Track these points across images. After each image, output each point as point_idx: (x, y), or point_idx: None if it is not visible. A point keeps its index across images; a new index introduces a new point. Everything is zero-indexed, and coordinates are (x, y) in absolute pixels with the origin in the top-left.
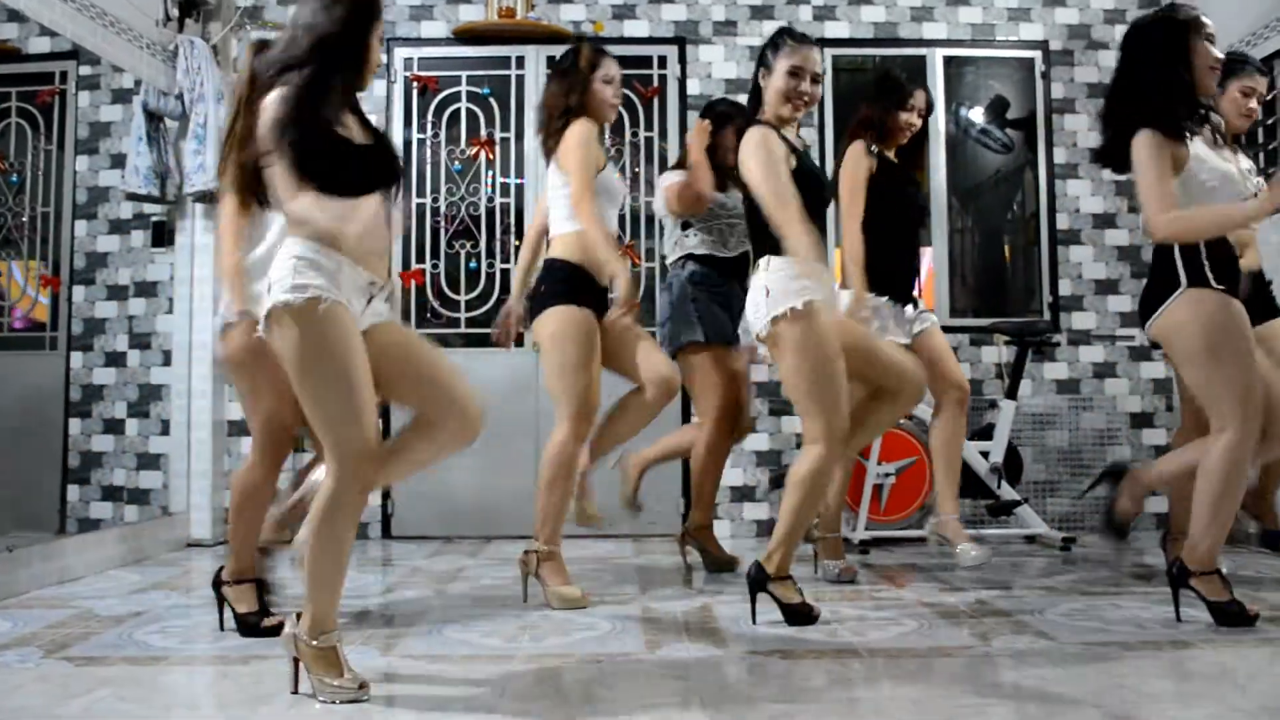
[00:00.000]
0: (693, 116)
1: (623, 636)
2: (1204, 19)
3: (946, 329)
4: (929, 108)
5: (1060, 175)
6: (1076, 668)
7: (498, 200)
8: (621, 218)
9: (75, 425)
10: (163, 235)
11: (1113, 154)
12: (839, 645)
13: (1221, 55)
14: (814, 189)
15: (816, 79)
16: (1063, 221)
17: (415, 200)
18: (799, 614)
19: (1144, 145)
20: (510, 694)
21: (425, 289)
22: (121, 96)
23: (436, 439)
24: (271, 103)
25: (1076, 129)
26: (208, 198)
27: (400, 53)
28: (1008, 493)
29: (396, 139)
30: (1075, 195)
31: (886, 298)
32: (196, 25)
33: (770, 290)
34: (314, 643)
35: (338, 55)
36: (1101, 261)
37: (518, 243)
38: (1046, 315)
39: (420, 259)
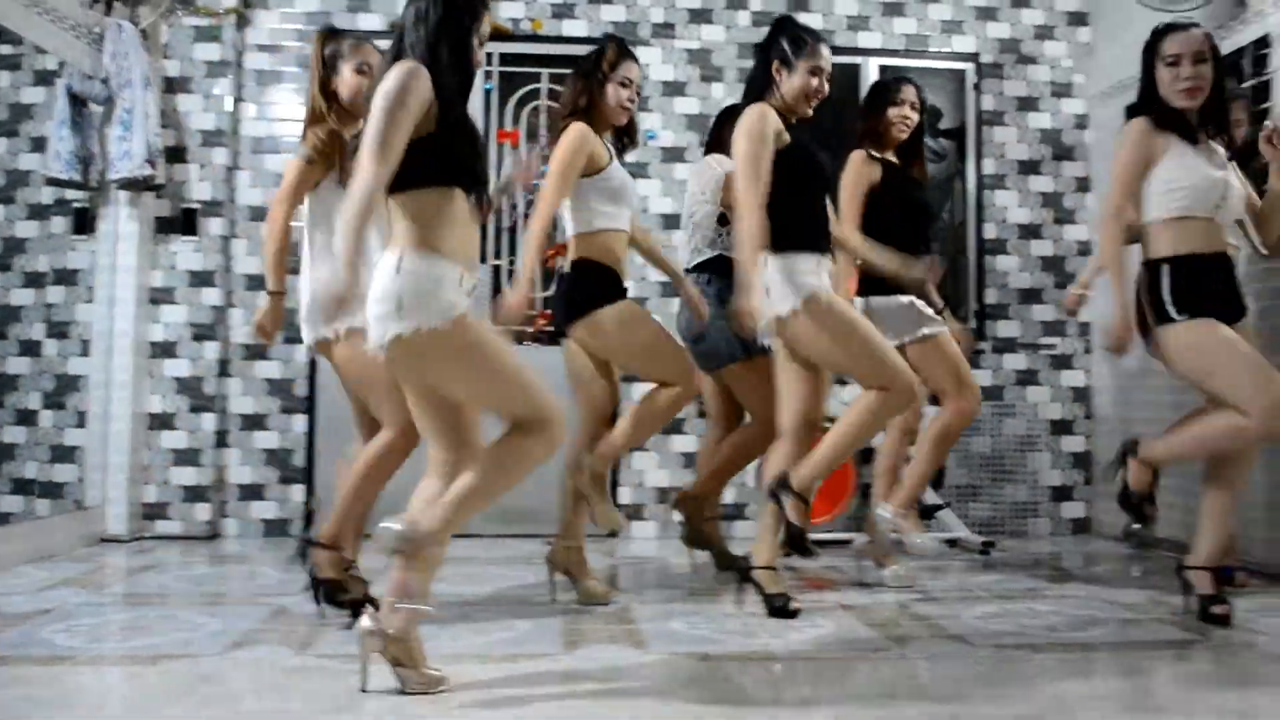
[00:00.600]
0: None
1: (541, 637)
2: (1165, 44)
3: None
4: (922, 102)
5: (989, 186)
6: (988, 670)
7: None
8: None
9: None
10: (84, 222)
11: None
12: (757, 648)
13: (1188, 78)
14: (809, 169)
15: (830, 76)
16: (990, 231)
17: None
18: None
19: (1127, 131)
20: (423, 696)
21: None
22: (44, 78)
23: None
24: (400, 75)
25: (1005, 140)
26: (132, 185)
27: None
28: (930, 497)
29: None
30: (1003, 206)
31: (909, 298)
32: (125, 9)
33: (770, 290)
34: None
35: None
36: (1026, 271)
37: None
38: (973, 323)
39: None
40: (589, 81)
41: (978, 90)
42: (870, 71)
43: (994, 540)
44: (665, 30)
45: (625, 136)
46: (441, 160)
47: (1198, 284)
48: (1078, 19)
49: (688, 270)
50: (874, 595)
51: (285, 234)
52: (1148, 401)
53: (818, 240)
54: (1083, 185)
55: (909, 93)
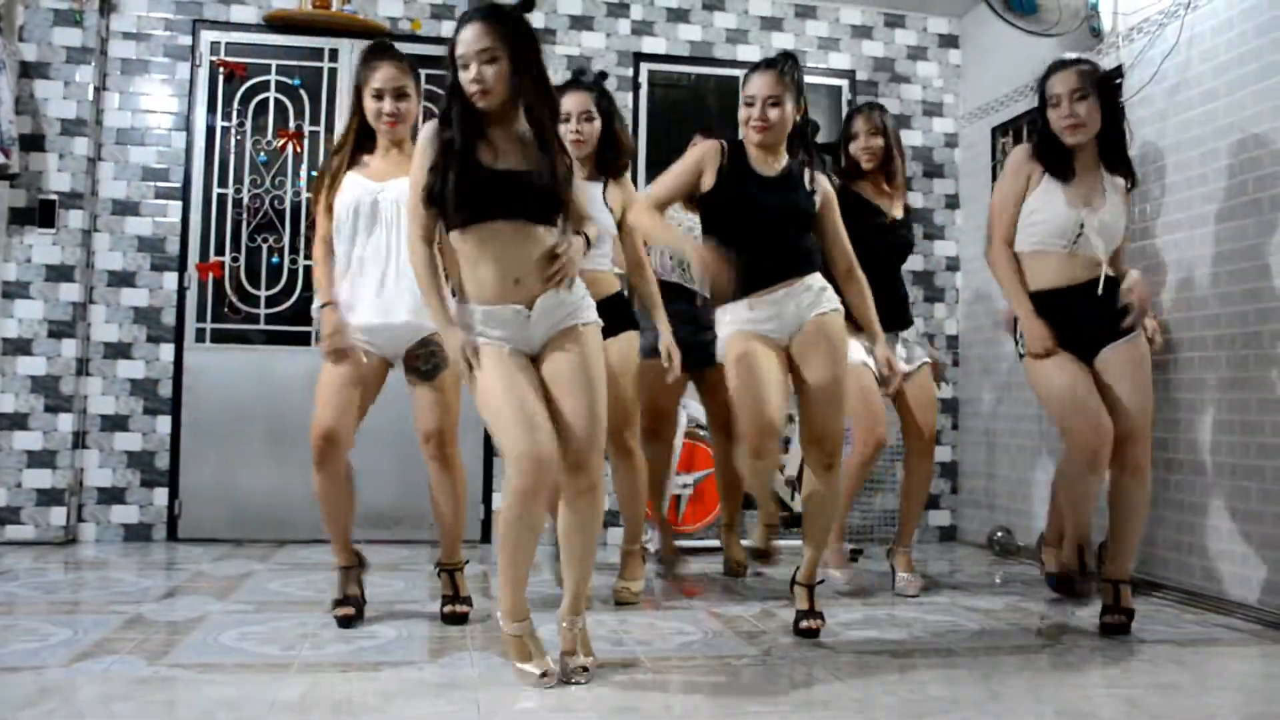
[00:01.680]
0: None
1: (407, 645)
2: (1049, 83)
3: None
4: (881, 127)
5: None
6: (850, 675)
7: (304, 195)
8: None
9: None
10: None
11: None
12: (623, 655)
13: (1067, 115)
14: (739, 209)
15: (775, 102)
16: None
17: (216, 190)
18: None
19: (1010, 157)
20: (281, 704)
21: (224, 282)
22: None
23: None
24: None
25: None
26: None
27: (207, 36)
28: (800, 505)
29: (198, 125)
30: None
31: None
32: None
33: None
34: (507, 630)
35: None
36: (918, 286)
37: None
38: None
39: (220, 251)
40: None
41: (852, 106)
42: None
43: (862, 548)
44: (546, 36)
45: (599, 164)
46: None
47: (1050, 320)
48: (949, 41)
49: None
50: (743, 601)
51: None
52: (1012, 414)
53: (738, 286)
54: (952, 202)
55: (858, 124)
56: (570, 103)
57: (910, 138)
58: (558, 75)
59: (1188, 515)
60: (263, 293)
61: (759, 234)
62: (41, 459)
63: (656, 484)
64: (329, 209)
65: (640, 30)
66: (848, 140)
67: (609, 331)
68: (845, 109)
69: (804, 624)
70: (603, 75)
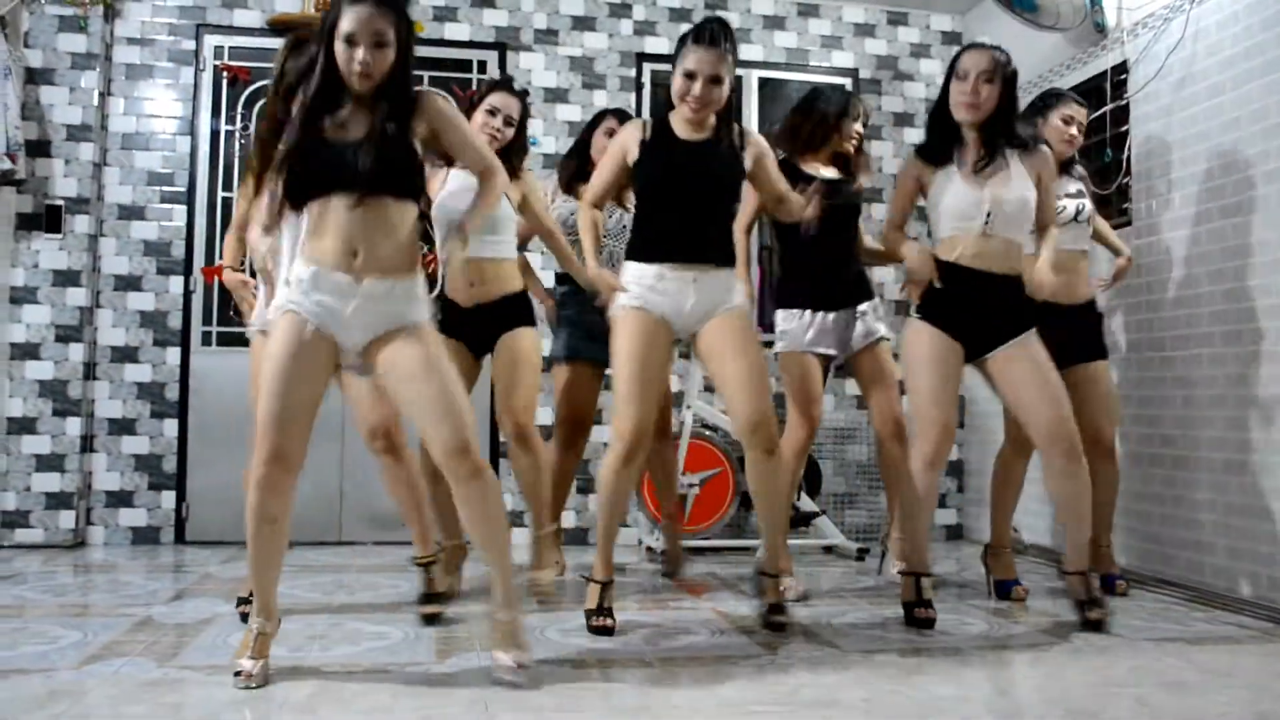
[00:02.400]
0: None
1: (414, 646)
2: (961, 59)
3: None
4: (861, 116)
5: (866, 199)
6: (856, 674)
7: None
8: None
9: None
10: None
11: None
12: (630, 654)
13: (968, 93)
14: (666, 180)
15: (715, 80)
16: (867, 243)
17: (221, 194)
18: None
19: (905, 162)
20: (289, 705)
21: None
22: None
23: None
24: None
25: (882, 155)
26: None
27: (210, 40)
28: (807, 504)
29: (203, 129)
30: (880, 219)
31: (807, 310)
32: None
33: None
34: (252, 624)
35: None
36: (897, 283)
37: None
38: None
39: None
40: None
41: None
42: (751, 85)
43: (869, 547)
44: (548, 36)
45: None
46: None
47: (955, 298)
48: (952, 38)
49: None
50: (749, 601)
51: None
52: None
53: (661, 249)
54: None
55: (855, 108)
56: (499, 101)
57: (914, 136)
58: (561, 77)
59: (1196, 512)
60: None
61: (683, 199)
62: (50, 463)
63: (671, 483)
64: None
65: (642, 30)
66: (839, 113)
67: (515, 323)
68: None
69: (775, 618)
70: (525, 93)
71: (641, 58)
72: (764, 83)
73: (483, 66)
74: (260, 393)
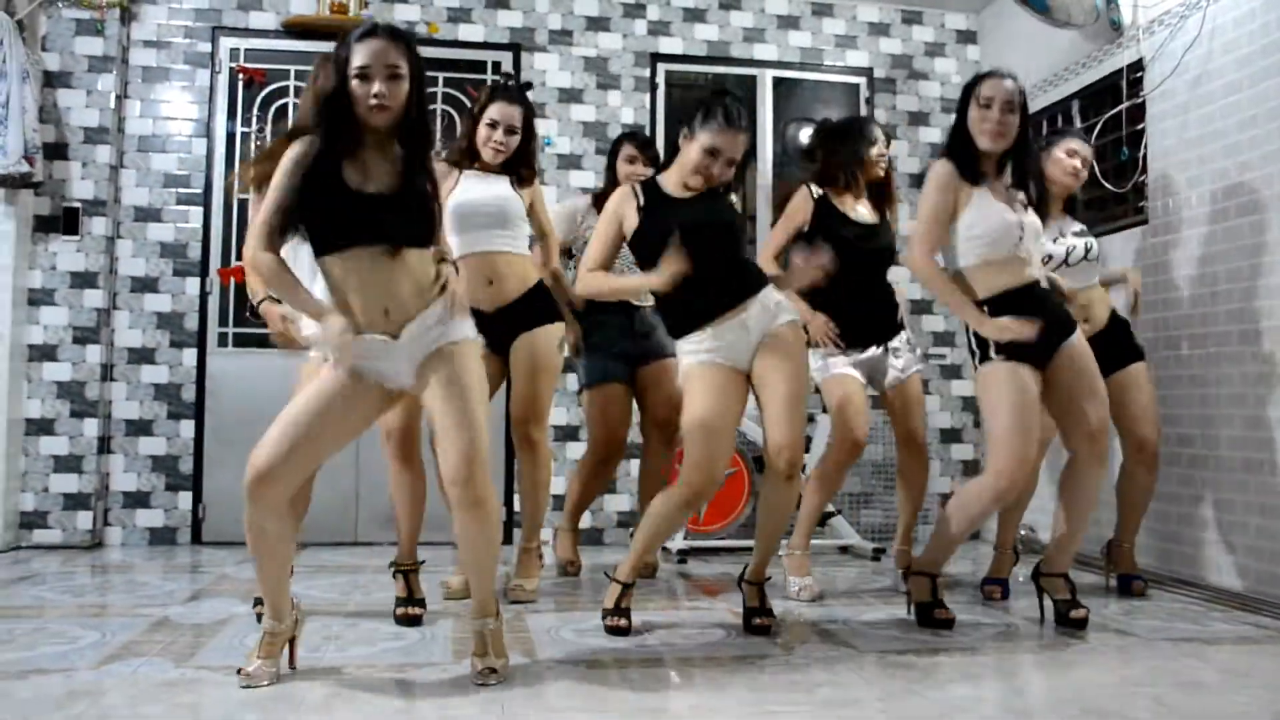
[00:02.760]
0: None
1: (430, 646)
2: (982, 87)
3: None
4: (886, 134)
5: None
6: (873, 674)
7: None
8: None
9: None
10: None
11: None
12: (647, 654)
13: (995, 121)
14: (687, 234)
15: (732, 162)
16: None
17: (237, 195)
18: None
19: (934, 171)
20: (307, 706)
21: (246, 287)
22: None
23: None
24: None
25: (897, 154)
26: (8, 182)
27: (226, 43)
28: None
29: (219, 131)
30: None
31: (836, 350)
32: None
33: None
34: (264, 625)
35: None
36: (917, 283)
37: None
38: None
39: (241, 256)
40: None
41: (870, 104)
42: (765, 84)
43: (885, 547)
44: (563, 37)
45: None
46: None
47: (1015, 315)
48: (967, 37)
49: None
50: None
51: None
52: None
53: (701, 312)
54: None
55: (874, 131)
56: (499, 112)
57: (929, 135)
58: (575, 78)
59: (1214, 512)
60: None
61: (703, 251)
62: (68, 464)
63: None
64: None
65: (657, 30)
66: (862, 146)
67: (533, 322)
68: (863, 108)
69: (756, 620)
70: (528, 85)
71: (656, 58)
72: (778, 82)
73: (497, 67)
74: (290, 411)
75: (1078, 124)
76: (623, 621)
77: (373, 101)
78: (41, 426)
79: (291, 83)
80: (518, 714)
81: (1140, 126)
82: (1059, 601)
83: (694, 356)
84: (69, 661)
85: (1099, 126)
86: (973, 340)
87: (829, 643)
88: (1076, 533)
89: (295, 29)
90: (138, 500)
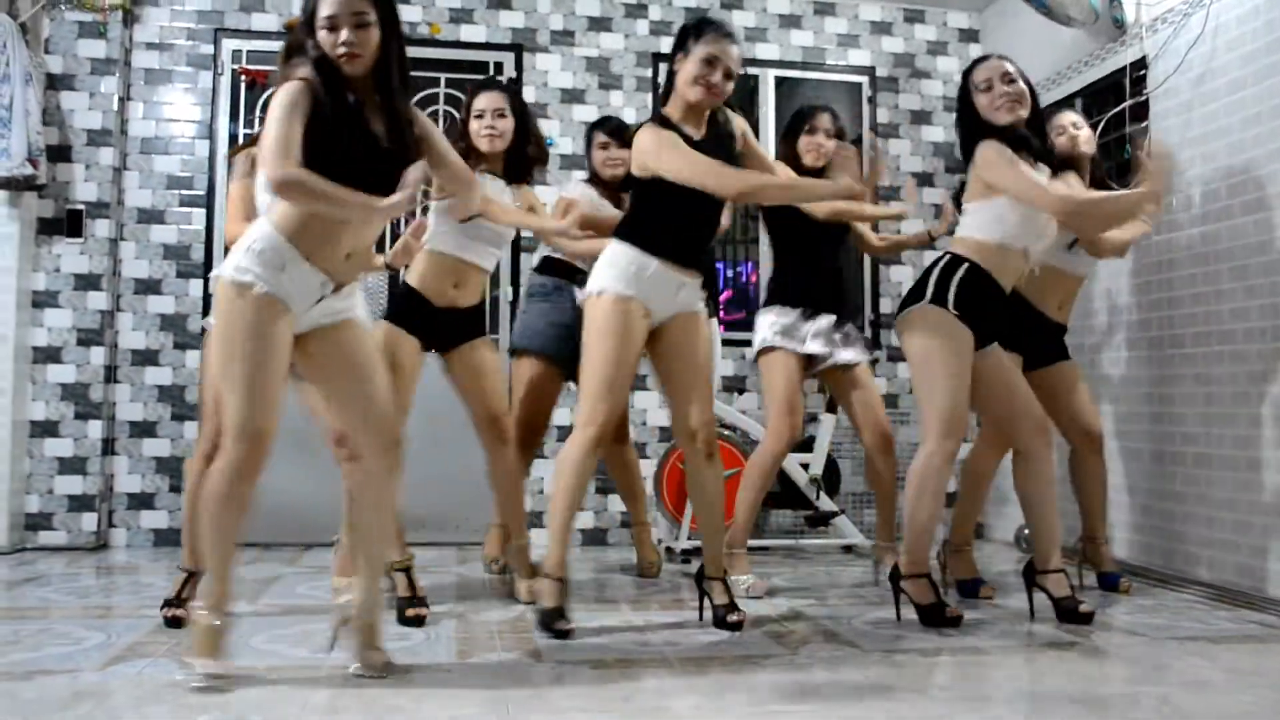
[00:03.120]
0: None
1: (435, 646)
2: (975, 74)
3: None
4: (839, 130)
5: (884, 197)
6: (877, 674)
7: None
8: None
9: None
10: None
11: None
12: (650, 654)
13: (1006, 93)
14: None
15: (730, 75)
16: (873, 240)
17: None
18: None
19: (991, 149)
20: (311, 707)
21: None
22: None
23: (362, 469)
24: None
25: (900, 153)
26: (12, 184)
27: (228, 44)
28: (826, 504)
29: (221, 132)
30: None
31: (800, 309)
32: (3, 2)
33: (594, 270)
34: (206, 617)
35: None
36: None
37: None
38: (868, 332)
39: None
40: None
41: (873, 103)
42: (768, 84)
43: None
44: (564, 38)
45: (510, 165)
46: None
47: (980, 298)
48: (969, 36)
49: (534, 269)
50: (769, 601)
51: None
52: None
53: (666, 246)
54: None
55: (823, 120)
56: (483, 101)
57: (931, 134)
58: (577, 78)
59: (1219, 510)
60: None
61: (695, 205)
62: (72, 465)
63: (636, 486)
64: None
65: (659, 31)
66: (798, 135)
67: (477, 333)
68: (865, 107)
69: (732, 618)
70: (513, 81)
71: (658, 58)
72: (780, 82)
73: (499, 68)
74: (238, 369)
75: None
76: (568, 625)
77: (341, 50)
78: (46, 428)
79: None
80: (523, 714)
81: (1144, 125)
82: (1060, 599)
83: (617, 285)
84: (74, 662)
85: (1102, 125)
86: (953, 286)
87: (833, 643)
88: (1054, 527)
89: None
90: (142, 502)
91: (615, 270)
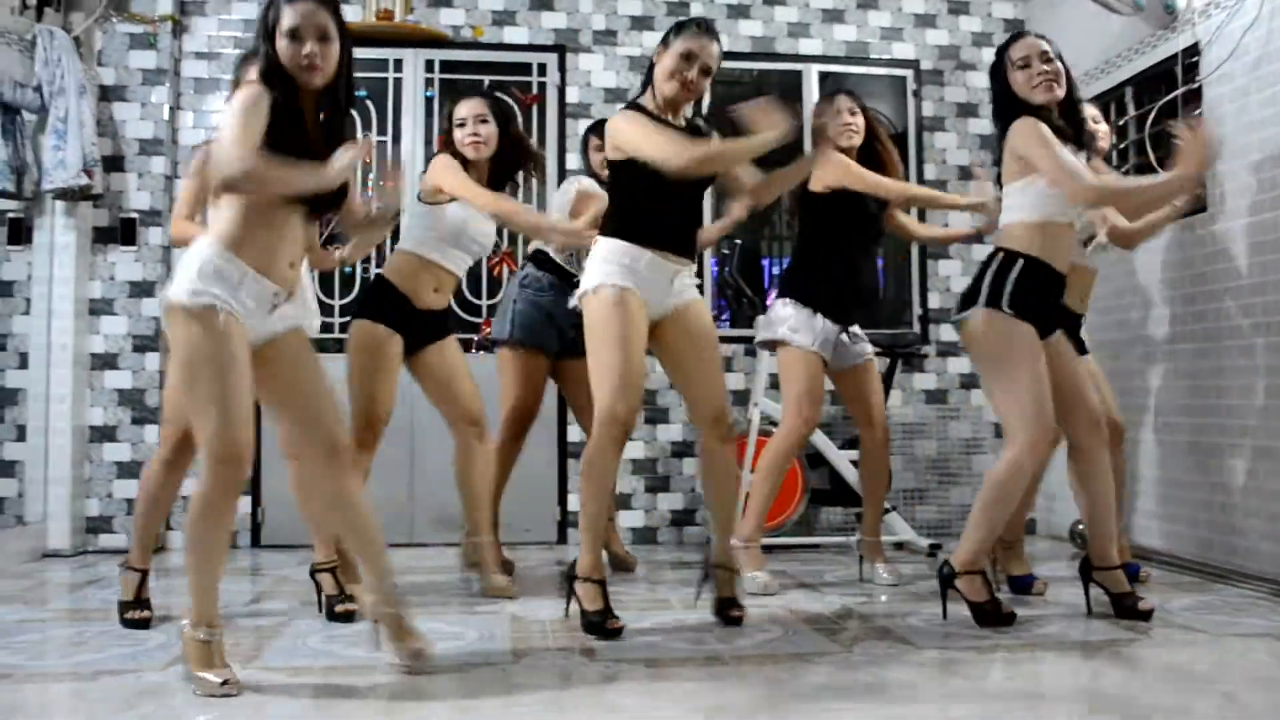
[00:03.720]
0: (572, 124)
1: (489, 644)
2: (1012, 50)
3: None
4: (863, 108)
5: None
6: (932, 671)
7: (375, 205)
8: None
9: None
10: (20, 233)
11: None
12: (705, 653)
13: (1045, 72)
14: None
15: (706, 71)
16: (920, 231)
17: None
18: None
19: (1027, 124)
20: (370, 706)
21: None
22: None
23: (306, 471)
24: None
25: (946, 146)
26: (68, 195)
27: None
28: None
29: None
30: (944, 211)
31: (819, 313)
32: (57, 15)
33: (584, 271)
34: (195, 635)
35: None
36: (968, 275)
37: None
38: (916, 328)
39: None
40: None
41: (918, 96)
42: (811, 79)
43: (940, 543)
44: (607, 37)
45: (496, 172)
46: None
47: (1040, 292)
48: (1015, 26)
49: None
50: (821, 598)
51: None
52: None
53: (655, 236)
54: None
55: (841, 102)
56: (464, 109)
57: (978, 126)
58: (620, 77)
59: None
60: (336, 301)
61: (682, 191)
62: (130, 470)
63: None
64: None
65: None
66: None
67: (442, 335)
68: (910, 100)
69: (733, 613)
70: (493, 87)
71: None
72: (824, 77)
73: (542, 69)
74: (206, 392)
75: (1130, 112)
76: (617, 623)
77: (304, 61)
78: (104, 434)
79: None
80: (578, 713)
81: (1197, 113)
82: (1119, 594)
83: (616, 279)
84: (137, 663)
85: (1153, 114)
86: (1009, 286)
87: (887, 640)
88: (1109, 520)
89: None
90: None
91: (609, 265)
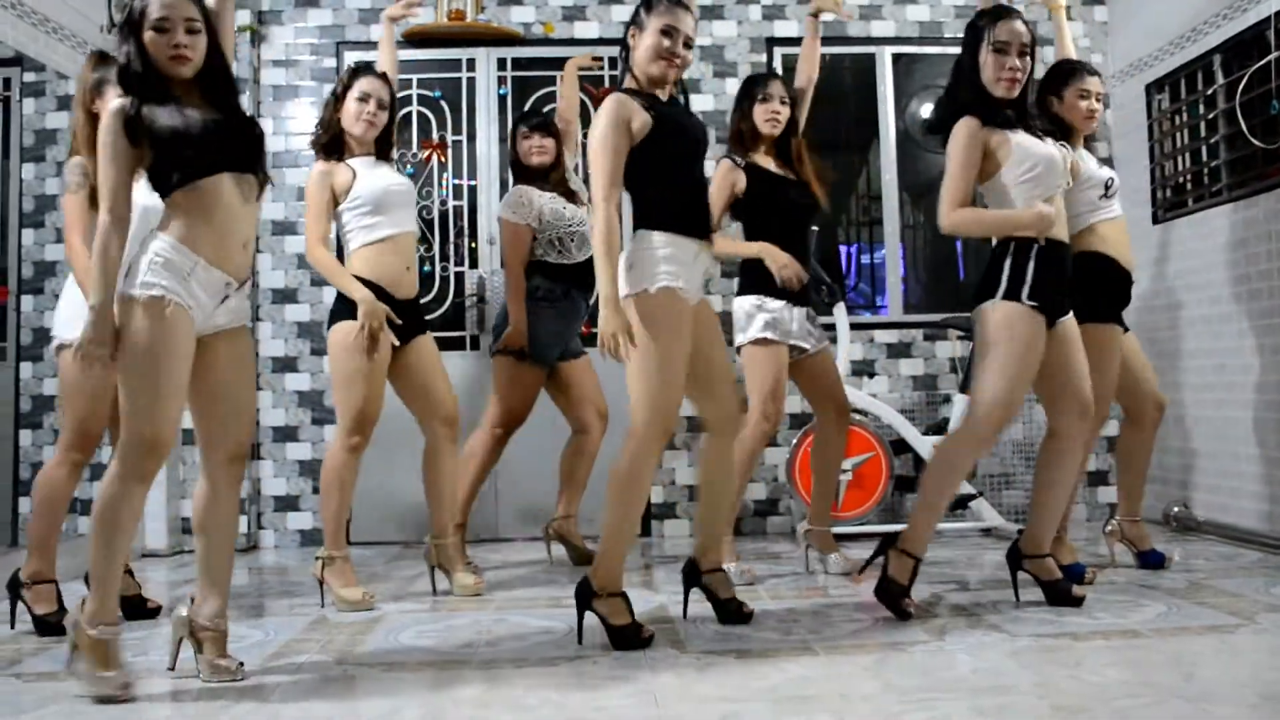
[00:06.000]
0: None
1: (575, 638)
2: (998, 29)
3: (899, 324)
4: (793, 98)
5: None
6: (1028, 659)
7: (450, 203)
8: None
9: (26, 437)
10: None
11: (940, 129)
12: (793, 643)
13: (1014, 66)
14: (683, 139)
15: (689, 43)
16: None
17: None
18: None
19: (963, 129)
20: (462, 700)
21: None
22: (67, 103)
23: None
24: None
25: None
26: None
27: (350, 56)
28: (964, 487)
29: None
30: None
31: (784, 301)
32: None
33: (632, 265)
34: (91, 632)
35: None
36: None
37: (473, 245)
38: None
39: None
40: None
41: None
42: (885, 61)
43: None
44: None
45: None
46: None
47: (1056, 275)
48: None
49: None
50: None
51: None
52: (1191, 383)
53: (679, 218)
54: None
55: (774, 87)
56: (369, 85)
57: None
58: (692, 68)
59: None
60: None
61: (694, 170)
62: None
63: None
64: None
65: (771, 15)
66: (753, 105)
67: (414, 333)
68: None
69: (746, 609)
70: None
71: (771, 42)
72: (897, 59)
73: (613, 63)
74: (140, 380)
75: (1220, 80)
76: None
77: (172, 52)
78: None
79: (414, 90)
80: (669, 704)
81: None
82: (1049, 583)
83: (664, 278)
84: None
85: (1245, 81)
86: (1028, 277)
87: (980, 627)
88: (1058, 509)
89: (415, 39)
90: (288, 504)
91: (653, 262)
